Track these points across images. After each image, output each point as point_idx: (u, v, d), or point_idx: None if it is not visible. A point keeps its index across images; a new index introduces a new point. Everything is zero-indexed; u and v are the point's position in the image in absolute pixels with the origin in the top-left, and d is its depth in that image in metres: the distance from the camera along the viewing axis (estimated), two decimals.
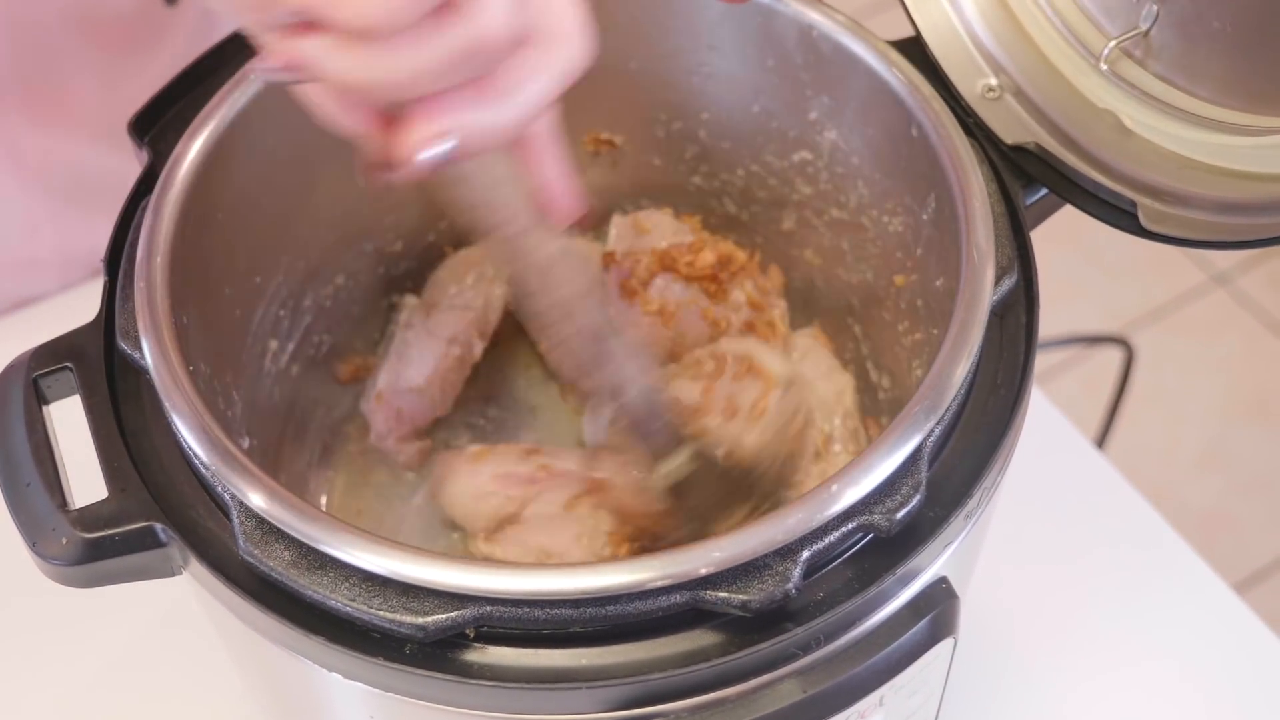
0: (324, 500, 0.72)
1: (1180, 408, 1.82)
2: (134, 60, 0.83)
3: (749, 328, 0.72)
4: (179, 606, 0.72)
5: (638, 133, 0.74)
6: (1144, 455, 1.76)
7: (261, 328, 0.65)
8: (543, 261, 0.51)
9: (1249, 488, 1.75)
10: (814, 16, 0.64)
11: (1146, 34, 0.60)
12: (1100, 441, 1.20)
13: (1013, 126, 0.61)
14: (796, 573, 0.48)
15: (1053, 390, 1.80)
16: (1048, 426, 0.87)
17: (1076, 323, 1.87)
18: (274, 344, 0.67)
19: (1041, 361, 1.88)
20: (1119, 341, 1.15)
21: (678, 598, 0.48)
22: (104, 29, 0.79)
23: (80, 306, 0.59)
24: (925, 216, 0.63)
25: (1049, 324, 1.93)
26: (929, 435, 0.51)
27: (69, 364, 0.55)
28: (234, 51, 0.64)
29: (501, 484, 0.66)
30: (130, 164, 0.61)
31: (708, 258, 0.71)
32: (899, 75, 0.62)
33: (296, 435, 0.70)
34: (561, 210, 0.51)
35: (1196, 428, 1.80)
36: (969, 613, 0.67)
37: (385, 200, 0.72)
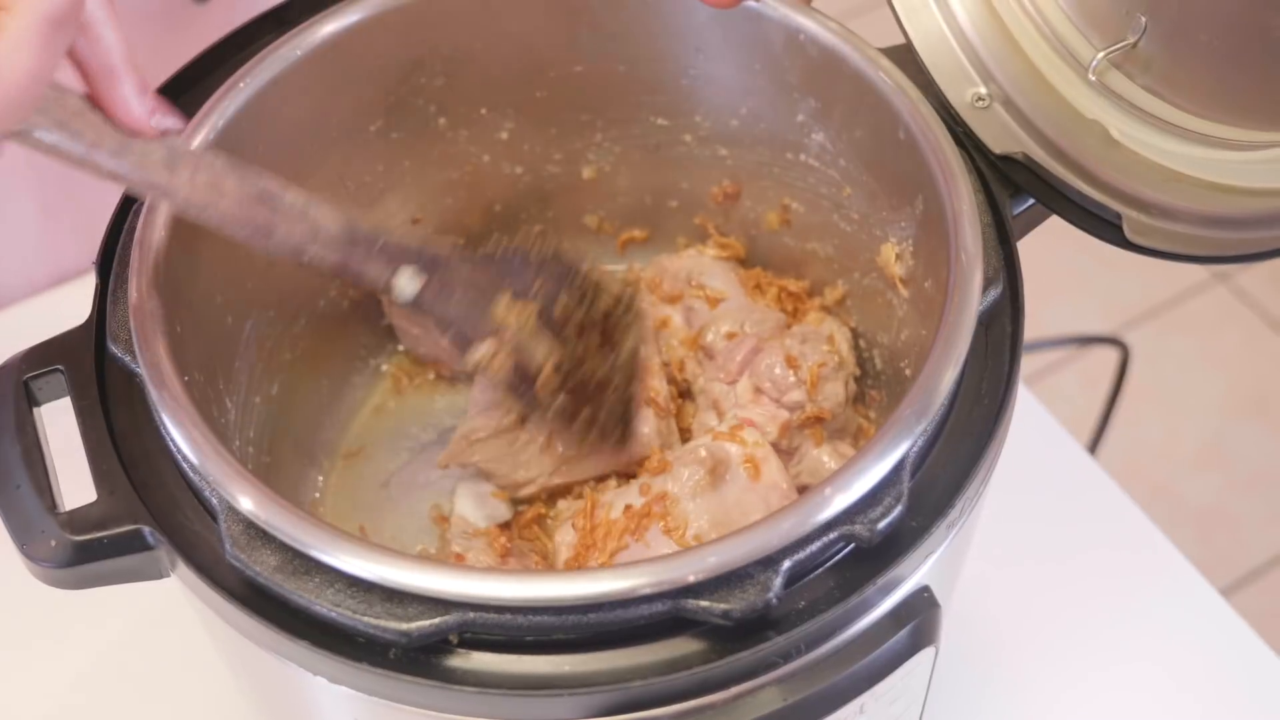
0: (315, 505, 0.72)
1: (1179, 404, 1.82)
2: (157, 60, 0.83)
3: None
4: (169, 607, 0.73)
5: (625, 135, 0.74)
6: (1142, 452, 1.76)
7: (253, 334, 0.66)
8: None
9: (1248, 485, 1.75)
10: (801, 21, 0.64)
11: (1135, 46, 0.60)
12: (1095, 442, 1.20)
13: (1001, 136, 0.62)
14: (777, 582, 0.48)
15: (1051, 386, 1.80)
16: (1038, 430, 0.87)
17: (1075, 319, 1.87)
18: (266, 350, 0.67)
19: (1039, 358, 1.89)
20: (1114, 342, 1.15)
21: (659, 606, 0.48)
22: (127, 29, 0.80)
23: (67, 305, 0.59)
24: (913, 219, 0.63)
25: (1047, 319, 1.92)
26: (914, 444, 0.51)
27: (60, 366, 0.56)
28: (229, 55, 0.65)
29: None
30: None
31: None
32: (886, 79, 0.62)
33: (288, 440, 0.70)
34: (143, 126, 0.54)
35: (1196, 424, 1.81)
36: (955, 618, 0.67)
37: (379, 206, 0.72)
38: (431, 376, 0.77)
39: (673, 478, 0.63)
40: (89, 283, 0.58)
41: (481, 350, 0.64)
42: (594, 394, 0.67)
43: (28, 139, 0.50)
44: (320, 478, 0.73)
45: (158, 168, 0.54)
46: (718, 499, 0.63)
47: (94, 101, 0.53)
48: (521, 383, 0.65)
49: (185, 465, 0.52)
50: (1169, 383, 1.84)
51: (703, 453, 0.64)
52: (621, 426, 0.68)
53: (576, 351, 0.66)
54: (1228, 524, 1.72)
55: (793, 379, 0.67)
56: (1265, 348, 1.88)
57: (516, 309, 0.65)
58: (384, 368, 0.78)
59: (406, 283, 0.61)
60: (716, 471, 0.63)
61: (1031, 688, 0.77)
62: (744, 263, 0.78)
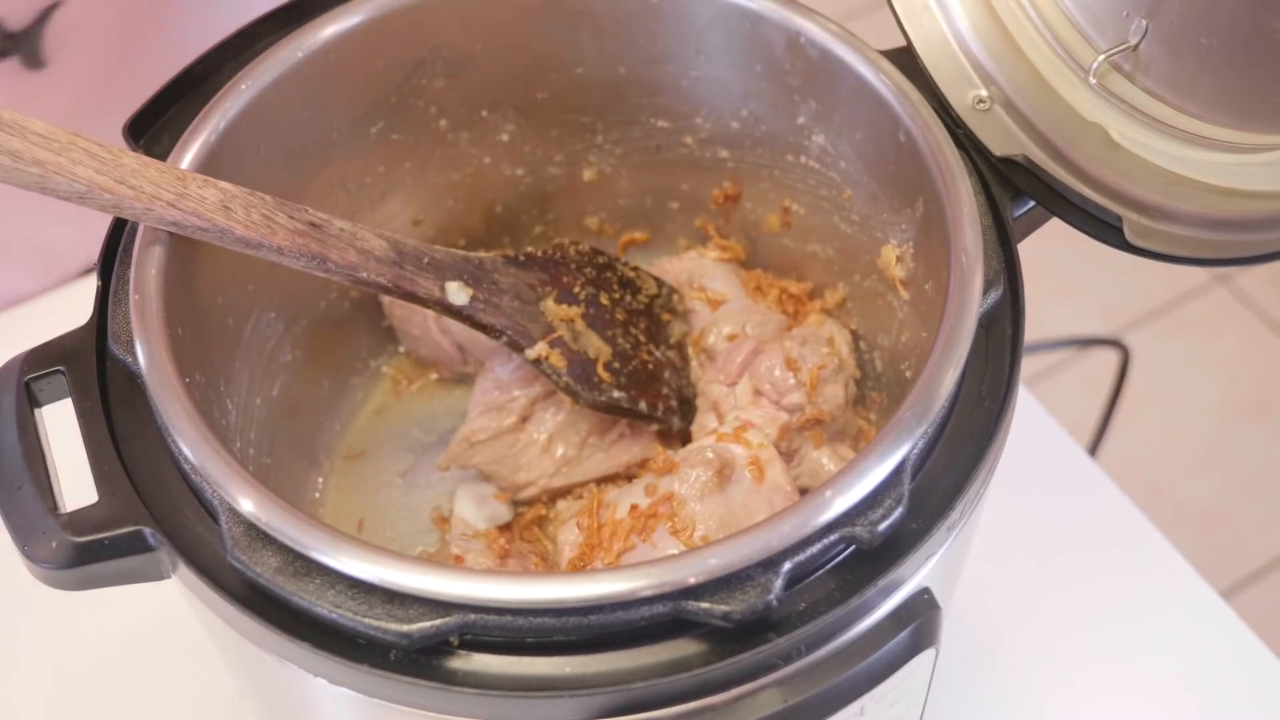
0: (315, 506, 0.72)
1: (1180, 406, 1.83)
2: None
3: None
4: (170, 607, 0.73)
5: (626, 137, 0.74)
6: (1143, 453, 1.76)
7: (254, 336, 0.66)
8: None
9: (1248, 487, 1.75)
10: (802, 23, 0.64)
11: (1135, 48, 0.60)
12: (1095, 444, 1.20)
13: (1002, 138, 0.62)
14: (778, 584, 0.48)
15: (1052, 387, 1.81)
16: (1039, 432, 0.87)
17: (1076, 320, 1.87)
18: (267, 352, 0.67)
19: (1039, 360, 1.89)
20: (1114, 344, 1.15)
21: (660, 608, 0.48)
22: None
23: (69, 307, 0.59)
24: (914, 221, 0.63)
25: (1047, 321, 1.92)
26: (914, 446, 0.51)
27: (61, 368, 0.56)
28: (228, 57, 0.65)
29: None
30: None
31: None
32: (887, 81, 0.62)
33: (289, 441, 0.70)
34: None
35: (1196, 426, 1.81)
36: (956, 619, 0.68)
37: (380, 208, 0.72)
38: (432, 378, 0.78)
39: (679, 478, 0.63)
40: (90, 284, 0.58)
41: (536, 350, 0.66)
42: (654, 379, 0.69)
43: (89, 198, 0.52)
44: (320, 479, 0.73)
45: (215, 210, 0.56)
46: (724, 500, 0.63)
47: None
48: (583, 376, 0.67)
49: (186, 467, 0.52)
50: (1169, 385, 1.84)
51: (709, 454, 0.64)
52: (685, 405, 0.71)
53: (626, 345, 0.69)
54: (1227, 526, 1.72)
55: (792, 381, 0.68)
56: (1265, 349, 1.88)
57: (562, 310, 0.67)
58: (384, 369, 0.78)
59: (456, 294, 0.63)
60: (724, 473, 0.63)
61: (1031, 688, 0.77)
62: (745, 265, 0.78)
